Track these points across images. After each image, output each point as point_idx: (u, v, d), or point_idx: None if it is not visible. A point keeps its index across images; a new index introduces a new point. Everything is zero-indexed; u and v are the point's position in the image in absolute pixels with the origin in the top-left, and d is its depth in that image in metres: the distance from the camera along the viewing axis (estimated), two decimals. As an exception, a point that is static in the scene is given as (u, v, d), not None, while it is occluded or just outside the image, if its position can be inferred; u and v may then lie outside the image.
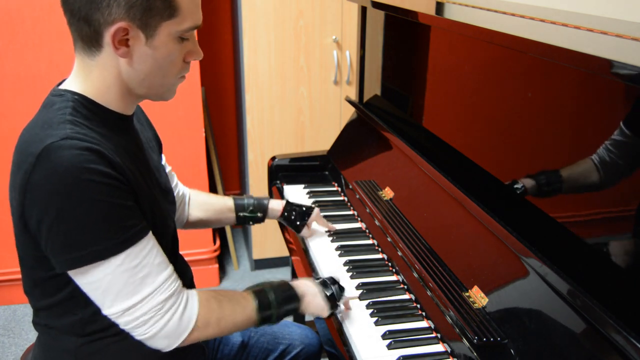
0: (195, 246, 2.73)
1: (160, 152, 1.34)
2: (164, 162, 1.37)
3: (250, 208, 1.57)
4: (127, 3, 0.95)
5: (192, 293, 1.11)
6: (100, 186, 0.95)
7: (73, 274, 1.01)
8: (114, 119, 1.06)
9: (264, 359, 1.44)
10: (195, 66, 2.47)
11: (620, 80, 0.92)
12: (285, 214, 1.61)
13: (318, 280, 1.29)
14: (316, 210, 1.64)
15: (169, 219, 1.20)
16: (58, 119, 0.98)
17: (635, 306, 0.90)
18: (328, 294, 1.26)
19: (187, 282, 1.28)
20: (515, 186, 1.22)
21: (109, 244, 0.97)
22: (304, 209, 1.62)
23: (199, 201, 1.52)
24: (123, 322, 1.04)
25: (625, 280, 0.94)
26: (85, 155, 0.94)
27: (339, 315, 1.28)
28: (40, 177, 0.94)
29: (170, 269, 1.07)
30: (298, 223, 1.61)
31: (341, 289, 1.28)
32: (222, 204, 1.55)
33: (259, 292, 1.20)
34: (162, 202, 1.17)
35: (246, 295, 1.18)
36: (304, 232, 1.62)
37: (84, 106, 1.02)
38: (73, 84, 1.05)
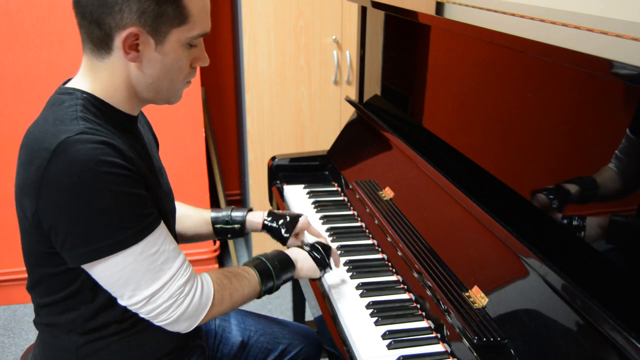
0: (196, 246, 2.73)
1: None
2: None
3: (226, 219, 1.49)
4: (139, 9, 0.96)
5: (204, 274, 1.15)
6: (117, 177, 0.96)
7: (91, 266, 1.01)
8: (121, 118, 1.08)
9: (264, 359, 1.44)
10: (195, 66, 2.47)
11: (620, 81, 0.92)
12: (267, 224, 1.49)
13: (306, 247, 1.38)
14: (303, 217, 1.50)
15: (170, 219, 1.21)
16: (70, 115, 0.99)
17: (635, 306, 0.90)
18: (318, 256, 1.35)
19: None
20: (515, 186, 1.22)
21: (130, 232, 0.99)
22: (289, 218, 1.48)
23: (179, 213, 1.45)
24: (146, 311, 1.06)
25: (625, 280, 0.94)
26: (102, 149, 0.96)
27: (339, 316, 1.28)
28: (57, 172, 0.94)
29: (183, 254, 1.10)
30: (283, 234, 1.48)
31: (327, 250, 1.38)
32: (199, 217, 1.49)
33: (258, 264, 1.27)
34: (165, 202, 1.18)
35: (247, 269, 1.25)
36: (290, 242, 1.49)
37: (93, 105, 1.03)
38: (81, 82, 1.05)
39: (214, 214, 1.50)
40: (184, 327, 1.10)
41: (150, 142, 1.25)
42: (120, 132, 1.06)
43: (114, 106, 1.06)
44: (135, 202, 1.00)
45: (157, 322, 1.08)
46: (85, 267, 1.02)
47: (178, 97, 1.12)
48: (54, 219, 0.98)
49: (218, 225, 1.49)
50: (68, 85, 1.07)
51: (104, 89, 1.04)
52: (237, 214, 1.50)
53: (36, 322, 1.16)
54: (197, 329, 1.28)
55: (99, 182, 0.95)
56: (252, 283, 1.23)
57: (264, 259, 1.28)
